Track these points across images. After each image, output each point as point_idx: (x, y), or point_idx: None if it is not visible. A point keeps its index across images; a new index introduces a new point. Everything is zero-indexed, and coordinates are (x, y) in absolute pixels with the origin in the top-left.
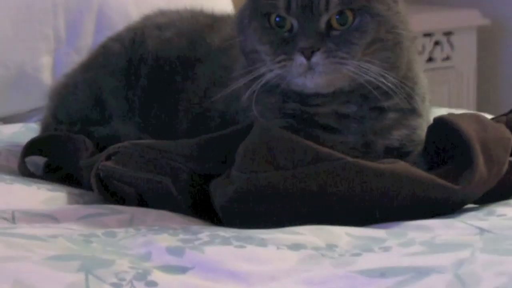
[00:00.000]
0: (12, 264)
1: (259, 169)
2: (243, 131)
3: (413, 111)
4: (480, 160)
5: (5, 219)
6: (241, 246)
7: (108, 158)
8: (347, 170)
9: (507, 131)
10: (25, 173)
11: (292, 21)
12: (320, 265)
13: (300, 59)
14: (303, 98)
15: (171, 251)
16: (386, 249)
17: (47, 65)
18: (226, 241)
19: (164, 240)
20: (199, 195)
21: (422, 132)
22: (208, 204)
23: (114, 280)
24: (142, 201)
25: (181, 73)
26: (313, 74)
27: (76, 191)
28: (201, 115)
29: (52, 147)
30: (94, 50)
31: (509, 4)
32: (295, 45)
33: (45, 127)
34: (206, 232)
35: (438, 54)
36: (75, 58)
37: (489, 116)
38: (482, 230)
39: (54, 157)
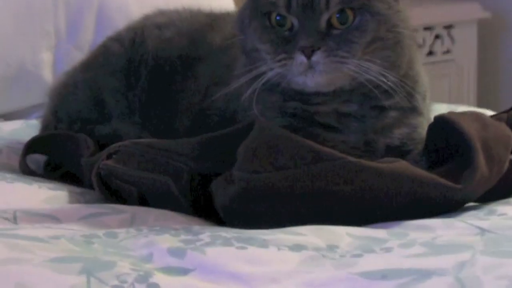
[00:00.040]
0: (14, 267)
1: (260, 169)
2: (244, 130)
3: (414, 110)
4: (481, 159)
5: (6, 219)
6: (242, 247)
7: (109, 156)
8: (347, 169)
9: (508, 130)
10: (25, 171)
11: (293, 20)
12: (321, 267)
13: (301, 58)
14: (304, 97)
15: (173, 252)
16: (387, 250)
17: (48, 61)
18: (227, 242)
19: (166, 241)
20: (200, 195)
21: (423, 131)
22: (209, 203)
23: (116, 282)
24: (143, 200)
25: (182, 73)
26: (313, 73)
27: (77, 189)
28: (202, 114)
29: (53, 146)
30: (94, 50)
31: None
32: (295, 44)
33: (45, 126)
34: (208, 232)
35: (438, 47)
36: (76, 54)
37: (489, 112)
38: (482, 230)
39: (55, 156)
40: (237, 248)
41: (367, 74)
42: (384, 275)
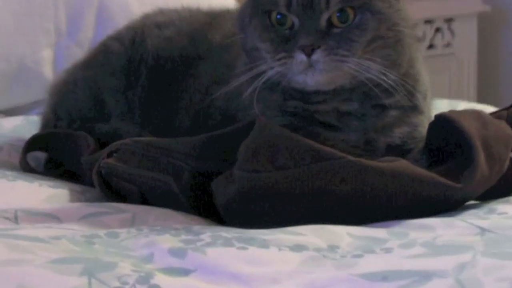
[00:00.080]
0: (15, 268)
1: (260, 168)
2: (244, 129)
3: (415, 108)
4: (481, 158)
5: (7, 219)
6: (243, 248)
7: (109, 155)
8: (347, 169)
9: (508, 128)
10: (26, 169)
11: (293, 19)
12: (322, 267)
13: (301, 57)
14: (304, 95)
15: (174, 252)
16: (388, 251)
17: (48, 58)
18: (228, 242)
19: (166, 241)
20: (201, 194)
21: (424, 129)
22: (210, 202)
23: (117, 283)
24: (144, 199)
25: (182, 71)
26: (313, 72)
27: (78, 188)
28: (203, 113)
29: (54, 144)
30: (94, 48)
31: None
32: (295, 42)
33: (45, 123)
34: (208, 232)
35: (438, 41)
36: (76, 51)
37: (490, 108)
38: (483, 230)
39: (56, 154)
40: (238, 248)
41: (367, 73)
42: (384, 276)
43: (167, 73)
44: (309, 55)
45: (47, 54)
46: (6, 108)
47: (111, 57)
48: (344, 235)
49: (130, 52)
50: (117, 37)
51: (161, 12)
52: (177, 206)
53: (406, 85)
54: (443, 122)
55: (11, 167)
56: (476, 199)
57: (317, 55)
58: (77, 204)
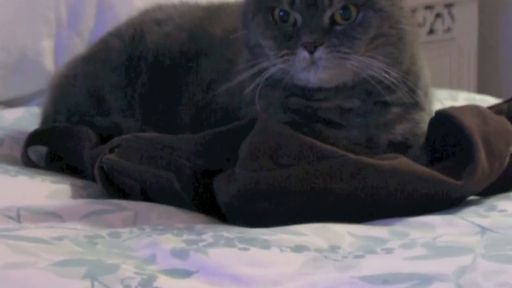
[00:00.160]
0: (18, 271)
1: (262, 167)
2: (246, 126)
3: (416, 105)
4: (481, 155)
5: (10, 217)
6: (245, 249)
7: (111, 150)
8: (348, 167)
9: (509, 124)
10: (27, 163)
11: (296, 16)
12: (324, 268)
13: (303, 54)
14: (306, 92)
15: (176, 253)
16: (388, 251)
17: (49, 48)
18: (230, 243)
19: (169, 241)
20: (203, 191)
21: (425, 125)
22: (212, 199)
23: (120, 287)
24: (145, 195)
25: (183, 67)
26: (316, 69)
27: (79, 183)
28: (204, 109)
29: (55, 139)
30: (95, 44)
31: None
32: (298, 39)
33: (45, 117)
34: (210, 232)
35: (439, 26)
36: (77, 42)
37: (489, 99)
38: (483, 229)
39: (57, 149)
40: (240, 249)
41: (369, 70)
42: (385, 279)
43: (167, 69)
44: (311, 52)
45: (47, 44)
46: (7, 99)
47: (111, 53)
48: (345, 234)
49: (130, 48)
50: (117, 34)
51: (160, 8)
52: (179, 203)
53: (407, 82)
54: (444, 118)
55: (13, 161)
56: (476, 194)
57: (320, 52)
58: (79, 201)
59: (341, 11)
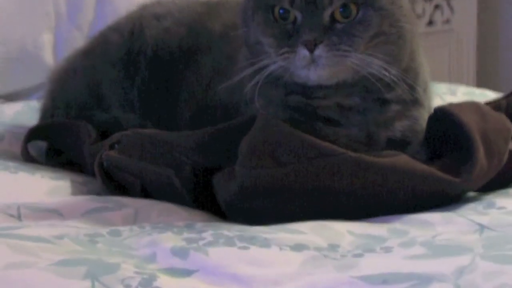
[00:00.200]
0: (18, 272)
1: (261, 165)
2: (246, 124)
3: (415, 102)
4: (480, 152)
5: (11, 215)
6: (245, 248)
7: (111, 146)
8: (348, 165)
9: (508, 121)
10: (27, 159)
11: (296, 14)
12: (323, 268)
13: (303, 52)
14: (306, 90)
15: (176, 252)
16: (388, 250)
17: (48, 42)
18: (229, 242)
19: (169, 239)
20: (203, 188)
21: (424, 122)
22: (212, 196)
23: (120, 287)
24: (145, 192)
25: (183, 63)
26: (316, 67)
27: (80, 179)
28: (204, 106)
29: (55, 134)
30: (94, 39)
31: None
32: (298, 37)
33: (44, 111)
34: (211, 230)
35: (438, 17)
36: (76, 35)
37: (489, 93)
38: (482, 227)
39: (57, 144)
40: (240, 248)
41: (369, 68)
42: (384, 279)
43: (166, 65)
44: (311, 50)
45: (47, 38)
46: (6, 93)
47: (110, 48)
48: (344, 233)
49: (129, 43)
50: (116, 28)
51: (159, 2)
52: (179, 200)
53: (407, 79)
54: (442, 115)
55: (13, 157)
56: (475, 191)
57: (320, 50)
58: (79, 198)
59: (341, 9)
